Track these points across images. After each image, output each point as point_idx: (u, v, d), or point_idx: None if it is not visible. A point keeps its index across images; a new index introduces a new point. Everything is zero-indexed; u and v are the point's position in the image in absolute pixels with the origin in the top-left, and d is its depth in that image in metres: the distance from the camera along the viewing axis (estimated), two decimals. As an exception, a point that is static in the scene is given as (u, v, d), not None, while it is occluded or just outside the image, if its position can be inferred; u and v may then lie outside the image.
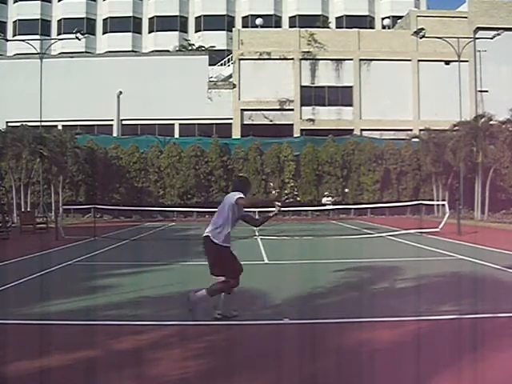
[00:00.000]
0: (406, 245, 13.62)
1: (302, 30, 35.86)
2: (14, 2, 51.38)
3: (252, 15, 47.12)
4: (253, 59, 34.62)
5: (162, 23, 49.66)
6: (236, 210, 5.53)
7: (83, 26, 44.40)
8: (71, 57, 36.07)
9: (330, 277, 8.42)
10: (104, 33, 50.72)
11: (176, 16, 49.97)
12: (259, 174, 28.95)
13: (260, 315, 5.92)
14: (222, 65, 39.56)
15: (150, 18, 50.66)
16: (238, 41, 34.99)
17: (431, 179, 27.91)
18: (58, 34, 48.31)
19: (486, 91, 33.93)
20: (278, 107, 34.39)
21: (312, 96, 34.70)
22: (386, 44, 34.84)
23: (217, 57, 39.49)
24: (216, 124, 34.13)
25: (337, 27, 47.14)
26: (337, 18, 49.77)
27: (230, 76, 35.87)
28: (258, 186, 28.84)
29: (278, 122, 34.51)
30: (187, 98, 33.00)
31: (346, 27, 43.94)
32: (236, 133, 33.78)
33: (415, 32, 29.45)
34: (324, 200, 27.77)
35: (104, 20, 50.97)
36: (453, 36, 29.34)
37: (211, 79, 35.64)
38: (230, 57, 37.93)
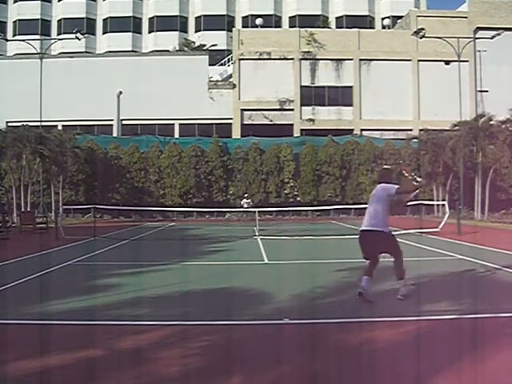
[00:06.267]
0: (406, 245, 13.58)
1: (302, 29, 35.87)
2: (14, 2, 51.38)
3: (252, 15, 47.11)
4: (253, 59, 34.63)
5: (162, 23, 49.65)
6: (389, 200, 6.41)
7: (83, 26, 44.39)
8: (71, 57, 36.07)
9: (330, 277, 8.43)
10: (104, 33, 50.71)
11: (176, 16, 49.97)
12: (259, 174, 28.94)
13: (260, 315, 5.92)
14: (221, 65, 39.58)
15: (149, 18, 50.65)
16: (238, 41, 34.99)
17: (431, 179, 27.91)
18: (58, 34, 48.31)
19: (486, 91, 33.94)
20: (278, 107, 34.39)
21: (312, 96, 34.71)
22: (386, 44, 34.84)
23: (218, 55, 39.50)
24: (216, 124, 34.14)
25: (337, 27, 47.12)
26: (337, 18, 49.75)
27: (230, 76, 35.89)
28: (258, 187, 28.85)
29: (278, 122, 34.52)
30: (187, 98, 33.01)
31: (346, 27, 43.90)
32: (236, 133, 33.78)
33: (415, 32, 29.43)
34: (243, 202, 27.82)
35: (104, 20, 50.95)
36: (453, 36, 29.33)
37: (211, 79, 35.65)
38: (230, 57, 37.95)
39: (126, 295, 7.06)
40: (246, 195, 28.37)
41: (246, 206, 27.17)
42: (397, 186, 6.36)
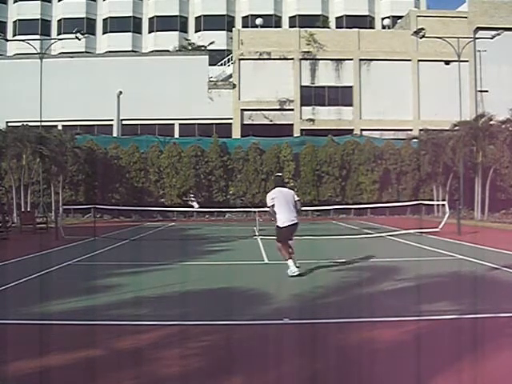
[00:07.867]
0: (406, 245, 13.62)
1: (301, 30, 35.85)
2: (14, 2, 51.40)
3: (252, 15, 47.12)
4: (253, 59, 34.62)
5: (162, 23, 49.67)
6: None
7: (83, 26, 44.37)
8: (71, 57, 36.05)
9: (329, 277, 8.43)
10: (104, 33, 50.73)
11: (176, 16, 49.99)
12: (259, 173, 28.93)
13: (260, 315, 5.92)
14: (221, 65, 39.59)
15: (150, 18, 50.68)
16: (238, 41, 34.99)
17: (431, 179, 27.92)
18: (58, 34, 48.32)
19: (486, 91, 33.95)
20: (278, 107, 34.38)
21: (312, 96, 34.70)
22: (386, 44, 34.84)
23: (218, 55, 39.49)
24: (216, 124, 34.12)
25: (337, 27, 47.13)
26: (337, 18, 49.77)
27: (230, 76, 35.89)
28: (258, 187, 28.84)
29: (278, 122, 34.51)
30: (187, 98, 33.00)
31: (346, 27, 43.92)
32: (236, 133, 33.77)
33: (415, 32, 29.42)
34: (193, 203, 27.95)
35: (104, 20, 50.98)
36: (453, 36, 29.32)
37: (211, 79, 35.65)
38: (230, 57, 37.95)
39: (126, 295, 7.06)
40: (191, 195, 28.24)
41: (194, 205, 27.20)
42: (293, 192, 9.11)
